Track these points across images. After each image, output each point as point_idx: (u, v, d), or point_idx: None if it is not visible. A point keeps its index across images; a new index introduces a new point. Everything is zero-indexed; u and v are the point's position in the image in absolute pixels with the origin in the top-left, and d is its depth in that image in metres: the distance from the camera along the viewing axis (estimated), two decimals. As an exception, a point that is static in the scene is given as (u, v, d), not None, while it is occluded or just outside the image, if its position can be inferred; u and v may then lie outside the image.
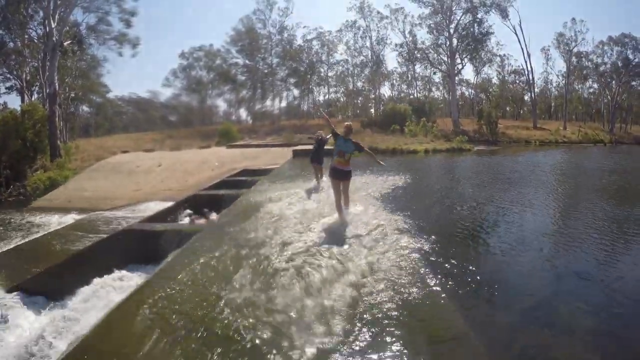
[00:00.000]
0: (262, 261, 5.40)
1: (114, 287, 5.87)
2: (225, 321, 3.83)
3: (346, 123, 7.42)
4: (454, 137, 38.84)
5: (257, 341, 3.51)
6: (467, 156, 29.60)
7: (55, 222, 13.89)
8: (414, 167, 21.89)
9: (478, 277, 5.60)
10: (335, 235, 6.41)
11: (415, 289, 4.58)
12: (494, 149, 36.95)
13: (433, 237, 6.97)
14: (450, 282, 5.25)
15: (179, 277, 4.89)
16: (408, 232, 7.03)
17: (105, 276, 6.11)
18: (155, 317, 3.93)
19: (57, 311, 5.46)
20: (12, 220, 15.08)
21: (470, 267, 5.93)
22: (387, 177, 14.83)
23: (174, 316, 3.91)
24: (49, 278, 6.09)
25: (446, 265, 5.87)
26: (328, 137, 8.55)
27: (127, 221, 9.24)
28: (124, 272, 6.36)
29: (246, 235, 6.54)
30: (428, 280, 4.87)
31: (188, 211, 10.26)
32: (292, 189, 10.36)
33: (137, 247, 7.19)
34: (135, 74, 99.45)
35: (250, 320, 3.82)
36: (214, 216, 9.04)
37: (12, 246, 8.77)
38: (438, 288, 4.71)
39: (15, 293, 5.67)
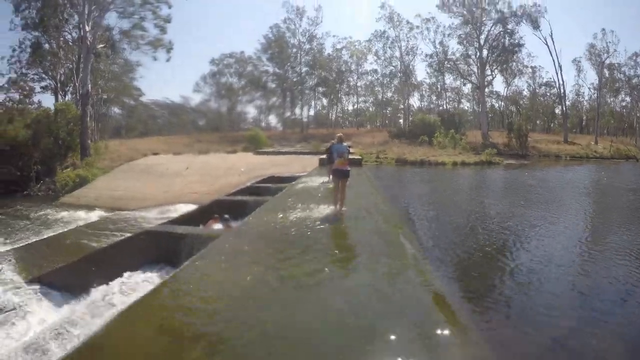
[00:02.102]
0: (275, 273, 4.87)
1: (132, 287, 5.77)
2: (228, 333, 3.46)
3: (337, 134, 8.77)
4: (482, 149, 38.07)
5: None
6: (496, 170, 28.94)
7: (83, 218, 14.06)
8: (438, 179, 21.57)
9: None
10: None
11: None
12: (523, 163, 36.12)
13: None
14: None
15: (190, 284, 4.52)
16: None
17: (126, 274, 6.08)
18: (162, 323, 3.68)
19: (73, 306, 5.43)
20: (41, 214, 15.38)
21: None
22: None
23: (180, 323, 3.67)
24: (68, 273, 6.05)
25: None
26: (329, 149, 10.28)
27: (152, 221, 9.16)
28: (146, 273, 6.31)
29: (263, 245, 5.97)
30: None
31: (215, 216, 9.91)
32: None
33: (158, 248, 7.06)
34: (169, 79, 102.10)
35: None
36: (233, 223, 8.63)
37: (36, 239, 8.73)
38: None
39: (35, 285, 5.64)
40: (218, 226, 8.56)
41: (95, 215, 14.11)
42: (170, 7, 34.20)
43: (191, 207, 13.10)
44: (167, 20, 34.59)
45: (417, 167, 27.67)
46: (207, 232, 7.21)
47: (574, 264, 7.67)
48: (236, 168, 22.64)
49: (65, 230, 10.03)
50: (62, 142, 24.45)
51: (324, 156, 15.15)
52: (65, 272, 6.00)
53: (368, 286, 4.27)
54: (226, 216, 8.70)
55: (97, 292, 5.63)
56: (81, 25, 29.25)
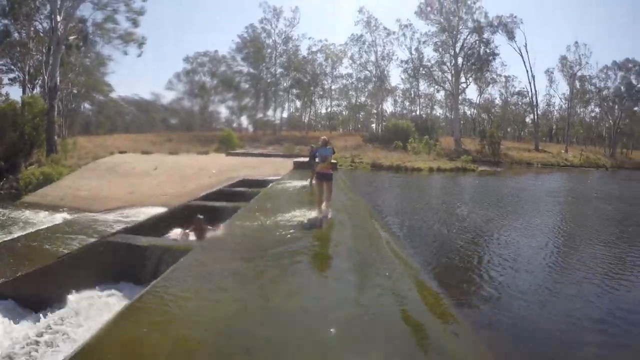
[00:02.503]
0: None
1: (89, 307, 5.18)
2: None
3: (322, 137, 8.67)
4: (455, 155, 38.63)
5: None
6: (472, 176, 29.26)
7: (43, 220, 13.30)
8: (418, 185, 21.63)
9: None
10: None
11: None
12: (497, 170, 36.78)
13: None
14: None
15: (153, 315, 3.54)
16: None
17: (75, 296, 5.37)
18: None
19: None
20: (1, 214, 14.58)
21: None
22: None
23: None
24: (10, 289, 5.48)
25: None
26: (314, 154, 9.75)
27: (116, 226, 8.70)
28: (104, 292, 5.60)
29: (241, 262, 5.11)
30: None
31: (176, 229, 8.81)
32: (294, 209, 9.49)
33: (118, 262, 6.16)
34: (140, 75, 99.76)
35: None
36: (208, 232, 7.90)
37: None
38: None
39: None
40: (191, 237, 7.81)
41: (57, 217, 13.42)
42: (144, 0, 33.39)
43: (159, 210, 12.32)
44: (140, 13, 33.61)
45: (392, 173, 27.67)
46: (176, 245, 6.26)
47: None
48: (208, 169, 22.11)
49: (21, 234, 9.55)
50: (28, 137, 23.40)
51: (307, 159, 15.12)
52: (17, 284, 5.49)
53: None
54: (200, 216, 7.73)
55: (51, 312, 5.03)
56: (52, 15, 28.18)
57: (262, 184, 15.04)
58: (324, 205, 8.17)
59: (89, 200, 16.51)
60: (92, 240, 7.00)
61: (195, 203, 10.91)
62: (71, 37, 30.66)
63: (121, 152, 30.61)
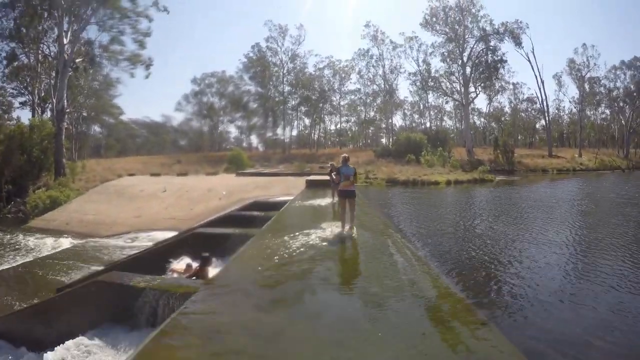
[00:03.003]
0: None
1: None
2: None
3: (343, 155, 8.88)
4: (469, 166, 37.81)
5: None
6: (492, 187, 28.18)
7: (49, 245, 13.01)
8: (442, 202, 20.46)
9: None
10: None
11: None
12: (515, 179, 35.86)
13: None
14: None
15: None
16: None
17: (75, 338, 4.93)
18: None
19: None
20: (5, 239, 14.31)
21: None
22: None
23: None
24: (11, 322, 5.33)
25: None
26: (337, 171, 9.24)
27: (119, 253, 8.17)
28: (94, 340, 5.01)
29: (256, 313, 4.07)
30: None
31: (179, 263, 8.01)
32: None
33: (111, 303, 5.47)
34: (149, 97, 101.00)
35: None
36: (213, 267, 6.90)
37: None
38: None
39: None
40: (193, 266, 7.17)
41: (62, 243, 13.23)
42: (150, 20, 33.26)
43: (166, 235, 12.16)
44: (147, 34, 33.69)
45: (410, 188, 26.76)
46: (177, 285, 5.29)
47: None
48: (217, 191, 21.59)
49: (19, 262, 9.13)
50: (36, 160, 23.27)
51: (319, 177, 14.55)
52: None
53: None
54: (205, 254, 6.92)
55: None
56: (59, 38, 28.27)
57: (274, 206, 14.01)
58: (347, 225, 8.18)
59: (95, 225, 16.41)
60: (94, 268, 6.57)
61: (201, 230, 10.11)
62: (78, 60, 30.68)
63: (130, 175, 30.42)
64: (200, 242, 8.69)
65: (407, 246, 7.16)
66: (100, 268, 7.16)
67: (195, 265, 7.19)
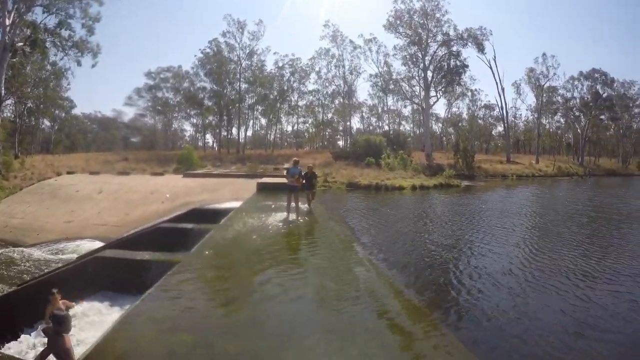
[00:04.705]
0: None
1: None
2: None
3: (294, 158, 11.75)
4: (430, 171, 37.00)
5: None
6: (461, 193, 27.15)
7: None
8: (419, 211, 18.81)
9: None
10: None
11: None
12: (480, 184, 35.19)
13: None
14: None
15: None
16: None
17: None
18: None
19: None
20: None
21: None
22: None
23: None
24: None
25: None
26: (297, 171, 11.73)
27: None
28: None
29: None
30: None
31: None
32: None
33: None
34: (102, 90, 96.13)
35: None
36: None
37: None
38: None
39: None
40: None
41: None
42: (101, 4, 30.85)
43: (95, 245, 11.16)
44: (97, 19, 31.18)
45: (373, 193, 24.98)
46: None
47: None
48: (160, 193, 19.51)
49: None
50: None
51: (272, 181, 18.41)
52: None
53: None
54: (60, 312, 4.41)
55: None
56: (1, 19, 25.19)
57: (215, 216, 11.53)
58: (292, 214, 11.20)
59: (21, 231, 14.94)
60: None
61: (107, 254, 7.17)
62: (19, 44, 27.64)
63: (69, 173, 27.53)
64: (106, 270, 6.35)
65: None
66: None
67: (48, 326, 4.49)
